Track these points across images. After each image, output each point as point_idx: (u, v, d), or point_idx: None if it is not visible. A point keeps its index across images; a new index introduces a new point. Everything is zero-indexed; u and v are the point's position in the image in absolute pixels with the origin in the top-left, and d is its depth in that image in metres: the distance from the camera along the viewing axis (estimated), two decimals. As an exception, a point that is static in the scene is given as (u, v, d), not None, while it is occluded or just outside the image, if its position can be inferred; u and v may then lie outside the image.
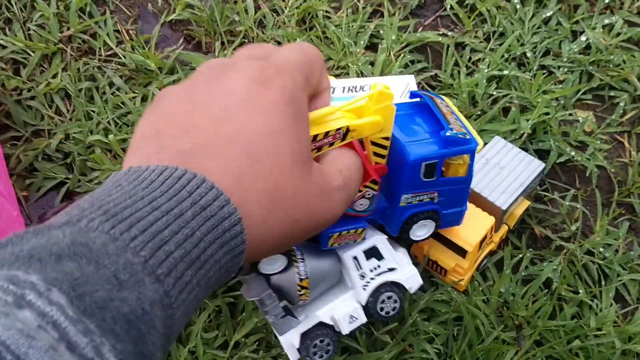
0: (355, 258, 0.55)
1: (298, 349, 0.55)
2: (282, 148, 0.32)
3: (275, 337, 0.59)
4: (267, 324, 0.60)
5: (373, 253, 0.55)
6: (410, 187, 0.48)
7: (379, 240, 0.55)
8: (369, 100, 0.41)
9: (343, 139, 0.41)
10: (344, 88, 0.67)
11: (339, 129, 0.40)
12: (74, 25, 0.78)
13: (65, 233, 0.25)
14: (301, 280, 0.53)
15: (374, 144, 0.44)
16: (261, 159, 0.31)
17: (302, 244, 0.55)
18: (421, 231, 0.53)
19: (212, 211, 0.29)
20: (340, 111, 0.42)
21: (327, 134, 0.40)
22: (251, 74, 0.33)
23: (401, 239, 0.54)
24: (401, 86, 0.57)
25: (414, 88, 0.56)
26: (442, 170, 0.48)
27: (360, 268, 0.55)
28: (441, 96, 0.52)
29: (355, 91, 0.58)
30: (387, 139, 0.44)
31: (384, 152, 0.45)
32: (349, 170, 0.39)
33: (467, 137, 0.47)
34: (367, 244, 0.55)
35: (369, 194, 0.47)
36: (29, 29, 0.78)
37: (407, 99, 0.54)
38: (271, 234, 0.33)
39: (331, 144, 0.41)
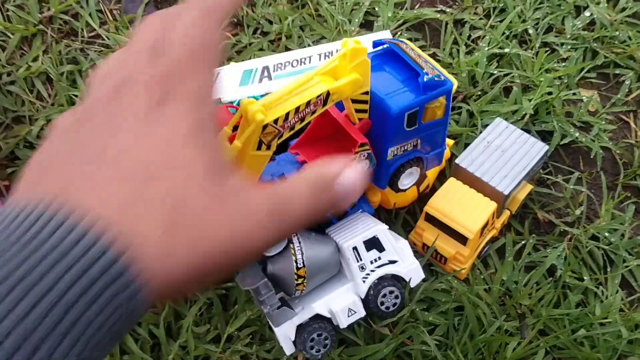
0: (355, 249, 0.52)
1: (294, 342, 0.53)
2: (183, 160, 0.26)
3: (270, 329, 0.57)
4: (261, 317, 0.57)
5: (374, 244, 0.53)
6: (395, 139, 0.49)
7: (380, 230, 0.53)
8: (342, 59, 0.41)
9: (324, 105, 0.42)
10: (320, 55, 0.65)
11: (319, 95, 0.41)
12: (55, 5, 0.74)
13: None
14: (298, 269, 0.51)
15: (354, 101, 0.45)
16: (156, 174, 0.25)
17: (300, 232, 0.53)
18: (407, 179, 0.55)
19: (93, 276, 0.22)
20: (317, 76, 0.42)
21: (308, 103, 0.40)
22: (147, 96, 0.27)
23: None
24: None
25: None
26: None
27: (360, 259, 0.53)
28: (404, 40, 0.52)
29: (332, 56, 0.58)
30: (366, 93, 0.45)
31: (365, 106, 0.47)
32: (286, 201, 0.29)
33: (442, 78, 0.48)
34: (367, 234, 0.52)
35: (364, 155, 0.49)
36: (7, 10, 0.75)
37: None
38: (178, 268, 0.25)
39: (313, 112, 0.42)
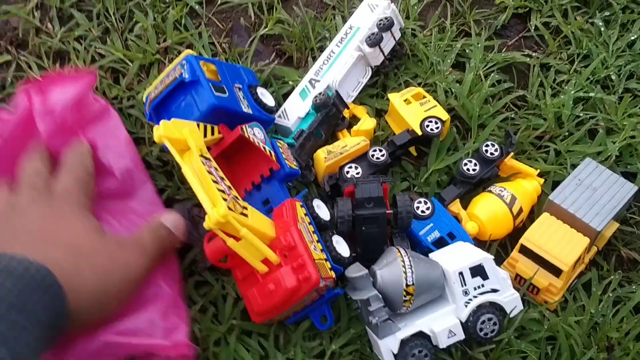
0: (461, 274, 0.56)
1: (395, 356, 0.56)
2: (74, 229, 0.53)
3: (370, 349, 0.61)
4: (363, 336, 0.61)
5: (479, 271, 0.57)
6: None
7: (486, 259, 0.56)
8: None
9: None
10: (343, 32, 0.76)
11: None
12: (171, 37, 0.80)
13: None
14: (408, 286, 0.55)
15: None
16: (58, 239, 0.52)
17: (411, 255, 0.56)
18: None
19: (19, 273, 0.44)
20: None
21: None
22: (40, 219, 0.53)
23: None
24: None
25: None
26: None
27: (465, 284, 0.57)
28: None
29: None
30: None
31: None
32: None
33: None
34: (474, 261, 0.56)
35: None
36: (126, 39, 0.81)
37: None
38: (86, 283, 0.49)
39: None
